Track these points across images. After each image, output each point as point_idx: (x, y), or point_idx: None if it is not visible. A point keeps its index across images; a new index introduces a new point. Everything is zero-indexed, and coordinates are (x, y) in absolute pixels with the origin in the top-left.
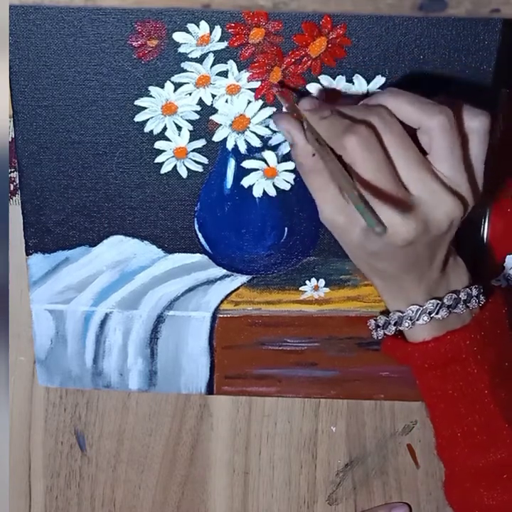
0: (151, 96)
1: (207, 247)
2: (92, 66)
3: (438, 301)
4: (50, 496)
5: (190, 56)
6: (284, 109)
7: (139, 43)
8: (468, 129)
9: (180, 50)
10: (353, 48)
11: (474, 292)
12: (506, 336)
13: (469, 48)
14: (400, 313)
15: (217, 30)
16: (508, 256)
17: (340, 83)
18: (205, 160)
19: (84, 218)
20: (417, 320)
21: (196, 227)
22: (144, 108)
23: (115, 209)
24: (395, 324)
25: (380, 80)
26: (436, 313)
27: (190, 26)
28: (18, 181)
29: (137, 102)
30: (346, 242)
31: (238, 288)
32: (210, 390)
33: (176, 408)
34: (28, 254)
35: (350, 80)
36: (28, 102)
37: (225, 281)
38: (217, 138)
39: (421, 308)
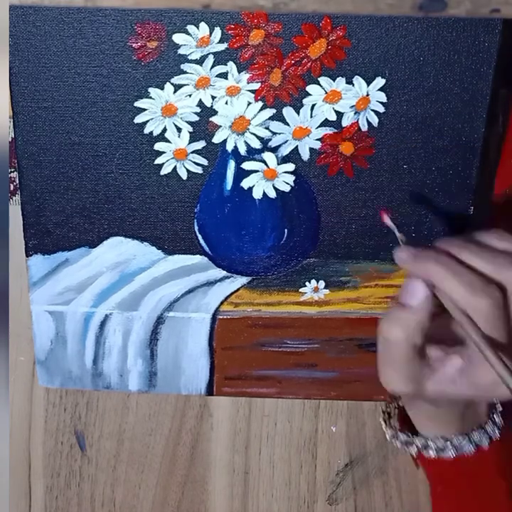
0: (150, 97)
1: (207, 249)
2: (91, 67)
3: (483, 430)
4: (50, 496)
5: (190, 58)
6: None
7: (139, 44)
8: None
9: (180, 51)
10: (353, 50)
11: (497, 420)
12: None
13: (469, 49)
14: (427, 441)
15: (217, 32)
16: None
17: (340, 85)
18: (204, 161)
19: (84, 219)
20: (442, 451)
21: (196, 228)
22: (144, 109)
23: (115, 210)
24: (436, 450)
25: (380, 82)
26: (480, 442)
27: (190, 28)
28: (18, 182)
29: (137, 104)
30: (408, 403)
31: (238, 289)
32: (210, 391)
33: (176, 408)
34: (27, 255)
35: (350, 82)
36: (27, 103)
37: (224, 283)
38: (217, 139)
39: (448, 443)
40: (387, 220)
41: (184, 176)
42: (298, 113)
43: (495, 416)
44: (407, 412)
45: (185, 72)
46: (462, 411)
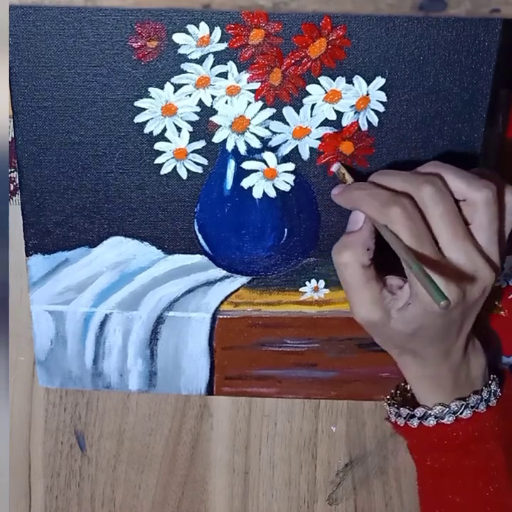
0: (150, 97)
1: (207, 248)
2: (91, 67)
3: (463, 402)
4: (50, 496)
5: (190, 57)
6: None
7: (139, 44)
8: (505, 205)
9: (180, 51)
10: (353, 49)
11: (493, 388)
12: None
13: (469, 49)
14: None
15: (217, 32)
16: (508, 256)
17: (340, 84)
18: (205, 161)
19: (84, 219)
20: (442, 419)
21: (196, 228)
22: (144, 109)
23: (115, 210)
24: (419, 418)
25: (380, 81)
26: (461, 414)
27: (190, 27)
28: (18, 182)
29: (137, 103)
30: (382, 333)
31: (238, 289)
32: (210, 390)
33: (176, 408)
34: (27, 255)
35: (350, 81)
36: (27, 102)
37: (224, 283)
38: (217, 139)
39: (447, 409)
40: (335, 169)
41: (184, 175)
42: (298, 113)
43: (492, 385)
44: (404, 375)
45: (185, 72)
46: (454, 371)
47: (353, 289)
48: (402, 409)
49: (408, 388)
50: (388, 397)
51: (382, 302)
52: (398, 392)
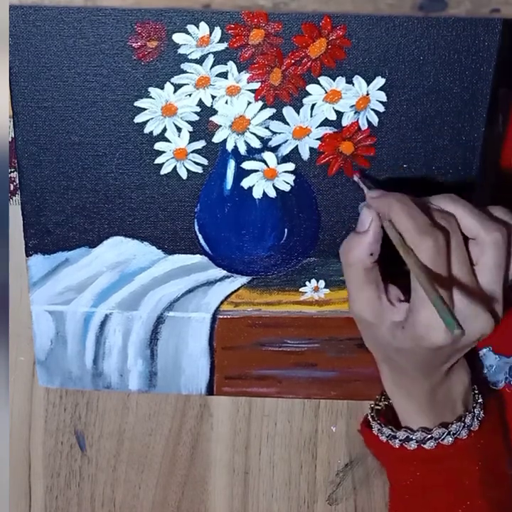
0: (150, 97)
1: (207, 248)
2: (91, 67)
3: (445, 430)
4: (50, 496)
5: (190, 57)
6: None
7: (139, 44)
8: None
9: (180, 51)
10: (353, 49)
11: (477, 411)
12: (500, 440)
13: (469, 49)
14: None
15: (217, 32)
16: None
17: (340, 84)
18: (205, 161)
19: (84, 219)
20: (423, 444)
21: (196, 228)
22: (144, 109)
23: (115, 210)
24: (400, 441)
25: (380, 81)
26: (442, 440)
27: (190, 27)
28: (18, 182)
29: (137, 103)
30: (370, 335)
31: (238, 289)
32: (210, 390)
33: (176, 408)
34: (28, 255)
35: (350, 81)
36: (27, 103)
37: (224, 283)
38: (217, 139)
39: (429, 436)
40: (356, 178)
41: (184, 175)
42: (298, 113)
43: (476, 410)
44: (382, 380)
45: (185, 72)
46: (432, 389)
47: (354, 287)
48: (384, 428)
49: None
50: (372, 404)
51: (379, 306)
52: (383, 397)
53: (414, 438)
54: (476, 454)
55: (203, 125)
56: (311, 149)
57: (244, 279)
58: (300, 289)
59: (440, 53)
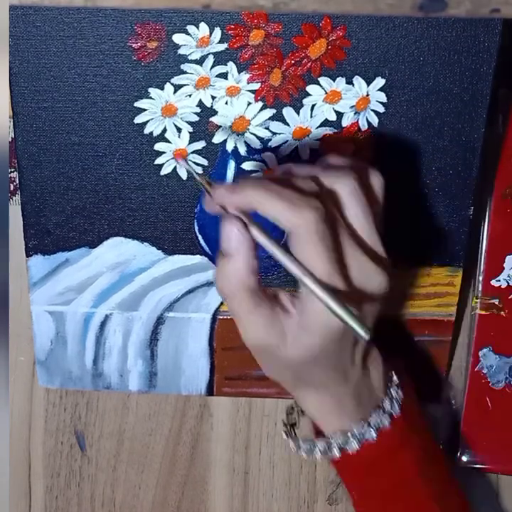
0: (150, 97)
1: (207, 249)
2: (91, 68)
3: (364, 422)
4: (50, 496)
5: (190, 58)
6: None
7: (139, 44)
8: (372, 187)
9: (180, 51)
10: (353, 50)
11: (393, 394)
12: (423, 422)
13: (469, 49)
14: (327, 442)
15: (217, 32)
16: (507, 256)
17: (340, 85)
18: (205, 162)
19: (84, 220)
20: (346, 445)
21: (196, 228)
22: (144, 110)
23: (115, 210)
24: (321, 453)
25: (380, 82)
26: (382, 424)
27: (190, 28)
28: (18, 182)
29: (137, 104)
30: (276, 359)
31: None
32: (210, 391)
33: (176, 408)
34: (28, 255)
35: (350, 82)
36: (27, 103)
37: None
38: (217, 139)
39: (366, 423)
40: (182, 162)
41: (184, 176)
42: (298, 113)
43: (392, 390)
44: (303, 407)
45: (185, 73)
46: (355, 390)
47: (243, 316)
48: (301, 442)
49: None
50: (283, 420)
51: (277, 324)
52: (297, 409)
53: (333, 443)
54: (407, 446)
55: (203, 126)
56: (311, 150)
57: None
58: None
59: (440, 54)
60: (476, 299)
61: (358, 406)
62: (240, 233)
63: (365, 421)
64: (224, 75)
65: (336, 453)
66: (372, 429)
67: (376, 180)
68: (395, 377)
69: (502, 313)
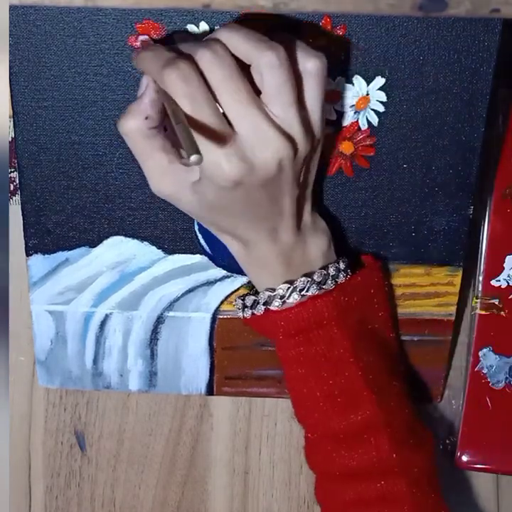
0: None
1: (207, 248)
2: (91, 67)
3: (308, 279)
4: (50, 496)
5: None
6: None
7: (139, 43)
8: (303, 71)
9: None
10: (353, 49)
11: (342, 266)
12: (370, 301)
13: (469, 49)
14: (270, 293)
15: None
16: (507, 256)
17: (340, 84)
18: None
19: (84, 219)
20: (288, 299)
21: (196, 228)
22: None
23: (115, 210)
24: (264, 304)
25: (380, 81)
26: (307, 291)
27: (190, 27)
28: (18, 182)
29: None
30: (184, 205)
31: (238, 289)
32: (210, 390)
33: (176, 408)
34: (28, 255)
35: (349, 81)
36: (28, 102)
37: (225, 282)
38: None
39: (292, 287)
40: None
41: None
42: None
43: (330, 268)
44: (240, 265)
45: None
46: (285, 254)
47: (141, 160)
48: (247, 296)
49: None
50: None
51: (174, 174)
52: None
53: (259, 300)
54: (341, 323)
55: None
56: None
57: (244, 279)
58: None
59: (440, 53)
60: (476, 298)
61: (287, 269)
62: (148, 80)
63: (291, 284)
64: None
65: (261, 310)
66: (295, 294)
67: (311, 64)
68: (342, 265)
69: (502, 313)
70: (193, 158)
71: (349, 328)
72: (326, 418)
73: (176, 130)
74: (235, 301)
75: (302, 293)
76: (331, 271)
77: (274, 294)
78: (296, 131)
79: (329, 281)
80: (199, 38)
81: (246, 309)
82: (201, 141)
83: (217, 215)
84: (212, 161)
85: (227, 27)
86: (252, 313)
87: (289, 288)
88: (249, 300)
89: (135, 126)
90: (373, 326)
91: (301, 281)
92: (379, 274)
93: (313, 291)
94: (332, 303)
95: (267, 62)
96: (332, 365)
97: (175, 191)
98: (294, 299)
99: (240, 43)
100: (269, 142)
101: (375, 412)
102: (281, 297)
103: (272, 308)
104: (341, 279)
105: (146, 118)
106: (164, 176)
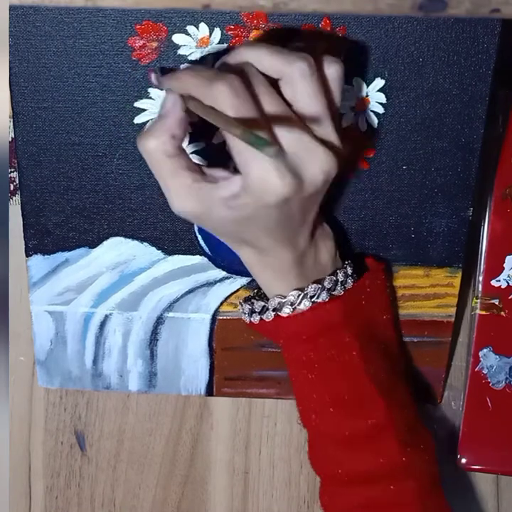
0: (150, 98)
1: (206, 249)
2: (91, 68)
3: (319, 285)
4: (50, 496)
5: (189, 58)
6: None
7: (139, 44)
8: (327, 77)
9: (180, 52)
10: (353, 51)
11: (349, 271)
12: (375, 304)
13: (468, 50)
14: (281, 299)
15: (217, 33)
16: (507, 256)
17: None
18: (204, 162)
19: (84, 220)
20: (298, 305)
21: (196, 229)
22: (144, 110)
23: (115, 211)
24: (274, 310)
25: (379, 83)
26: (317, 298)
27: (190, 28)
28: (18, 182)
29: (137, 104)
30: (212, 223)
31: (238, 290)
32: (209, 391)
33: (176, 408)
34: (27, 255)
35: (349, 83)
36: (27, 103)
37: (224, 283)
38: (216, 140)
39: (302, 294)
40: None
41: None
42: None
43: (339, 274)
44: (247, 268)
45: None
46: (298, 260)
47: (163, 179)
48: (256, 302)
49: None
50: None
51: (200, 193)
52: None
53: (269, 306)
54: (350, 327)
55: (202, 126)
56: None
57: (243, 280)
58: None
59: (439, 55)
60: (476, 299)
61: (299, 275)
62: (175, 100)
63: (302, 291)
64: None
65: (271, 316)
66: (306, 300)
67: (332, 70)
68: (349, 270)
69: (502, 313)
70: (270, 149)
71: (357, 332)
72: (335, 422)
73: (228, 140)
74: (241, 306)
75: (313, 300)
76: (340, 277)
77: (285, 300)
78: (333, 139)
79: (339, 288)
80: (209, 63)
81: (254, 315)
82: (253, 158)
83: (245, 229)
84: (260, 177)
85: (247, 45)
86: (261, 319)
87: (299, 295)
88: (258, 306)
89: (159, 146)
90: (377, 328)
91: (311, 288)
92: (382, 276)
93: (323, 297)
94: (341, 308)
95: (299, 73)
96: (342, 369)
97: (203, 210)
98: (305, 305)
99: (266, 58)
100: (316, 156)
101: (385, 416)
102: (292, 304)
103: (281, 314)
104: (349, 284)
105: (173, 137)
106: (189, 195)
